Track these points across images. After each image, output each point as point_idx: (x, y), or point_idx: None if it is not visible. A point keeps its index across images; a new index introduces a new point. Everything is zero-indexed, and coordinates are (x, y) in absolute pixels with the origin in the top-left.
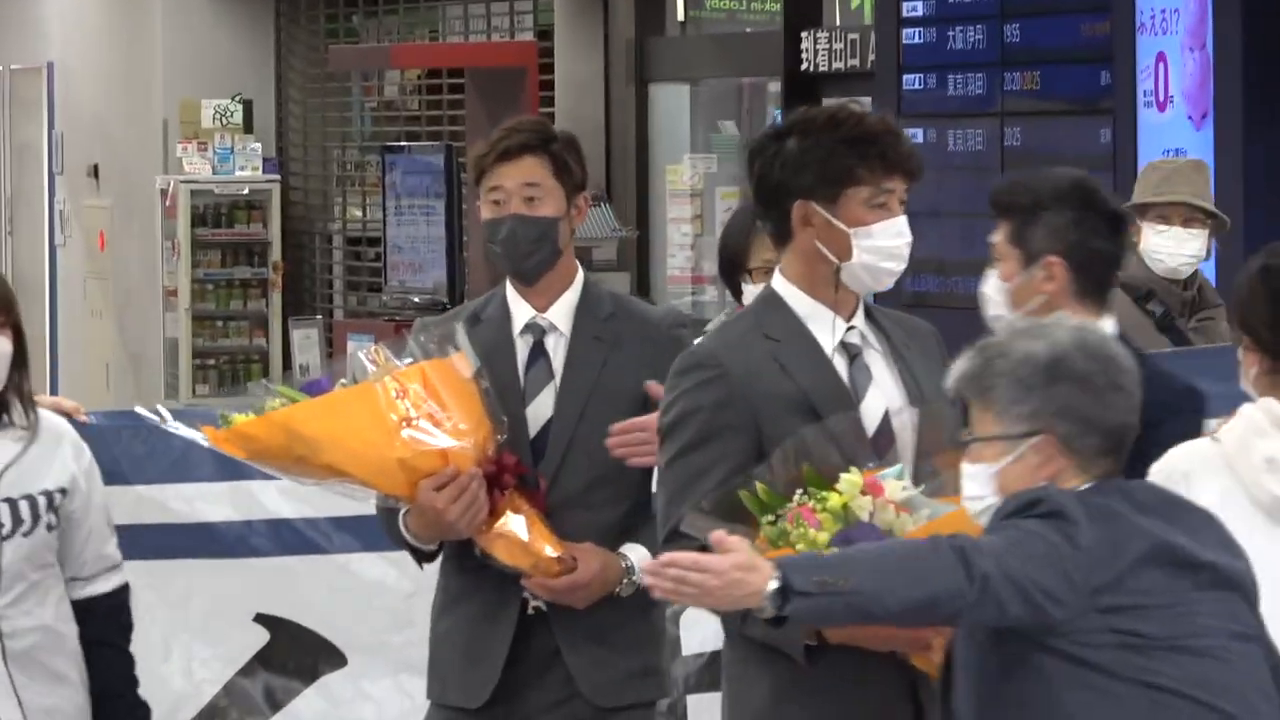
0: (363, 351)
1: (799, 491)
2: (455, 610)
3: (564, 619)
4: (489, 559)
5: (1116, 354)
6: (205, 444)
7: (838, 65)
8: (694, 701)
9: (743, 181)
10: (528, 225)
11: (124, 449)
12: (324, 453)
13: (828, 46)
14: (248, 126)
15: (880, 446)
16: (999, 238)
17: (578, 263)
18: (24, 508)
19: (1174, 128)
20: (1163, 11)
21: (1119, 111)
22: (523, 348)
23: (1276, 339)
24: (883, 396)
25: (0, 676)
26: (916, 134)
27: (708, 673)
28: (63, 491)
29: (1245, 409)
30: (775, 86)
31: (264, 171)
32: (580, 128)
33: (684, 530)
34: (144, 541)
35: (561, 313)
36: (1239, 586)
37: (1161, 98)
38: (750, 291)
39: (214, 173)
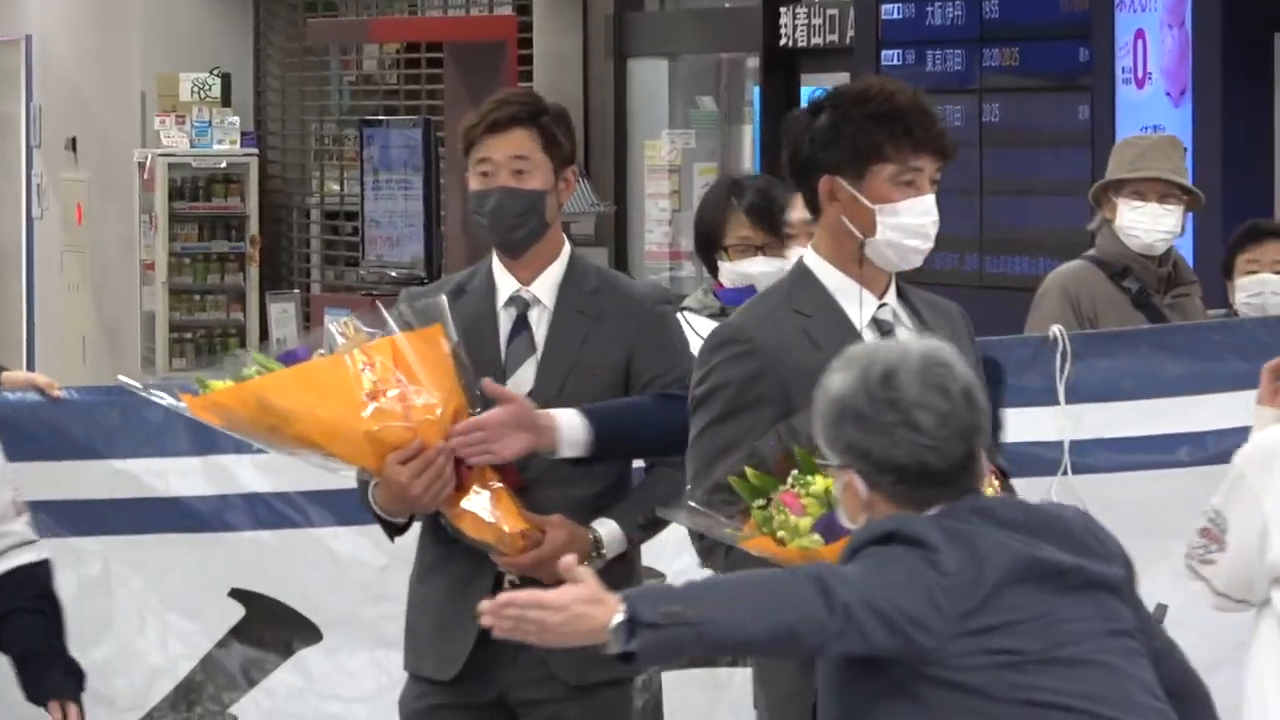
0: (334, 324)
1: (791, 475)
2: (430, 581)
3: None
4: (458, 534)
5: (902, 388)
6: (186, 413)
7: (816, 41)
8: (669, 678)
9: (720, 157)
10: (515, 198)
11: (98, 423)
12: (294, 424)
13: (806, 22)
14: (226, 100)
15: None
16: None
17: (565, 236)
18: None
19: (1152, 104)
20: None
21: (1097, 88)
22: (506, 320)
23: None
24: None
25: None
26: None
27: None
28: None
29: None
30: (754, 62)
31: (242, 145)
32: (558, 102)
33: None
34: (119, 516)
35: (546, 286)
36: (1110, 585)
37: (1140, 74)
38: (726, 268)
39: (192, 146)
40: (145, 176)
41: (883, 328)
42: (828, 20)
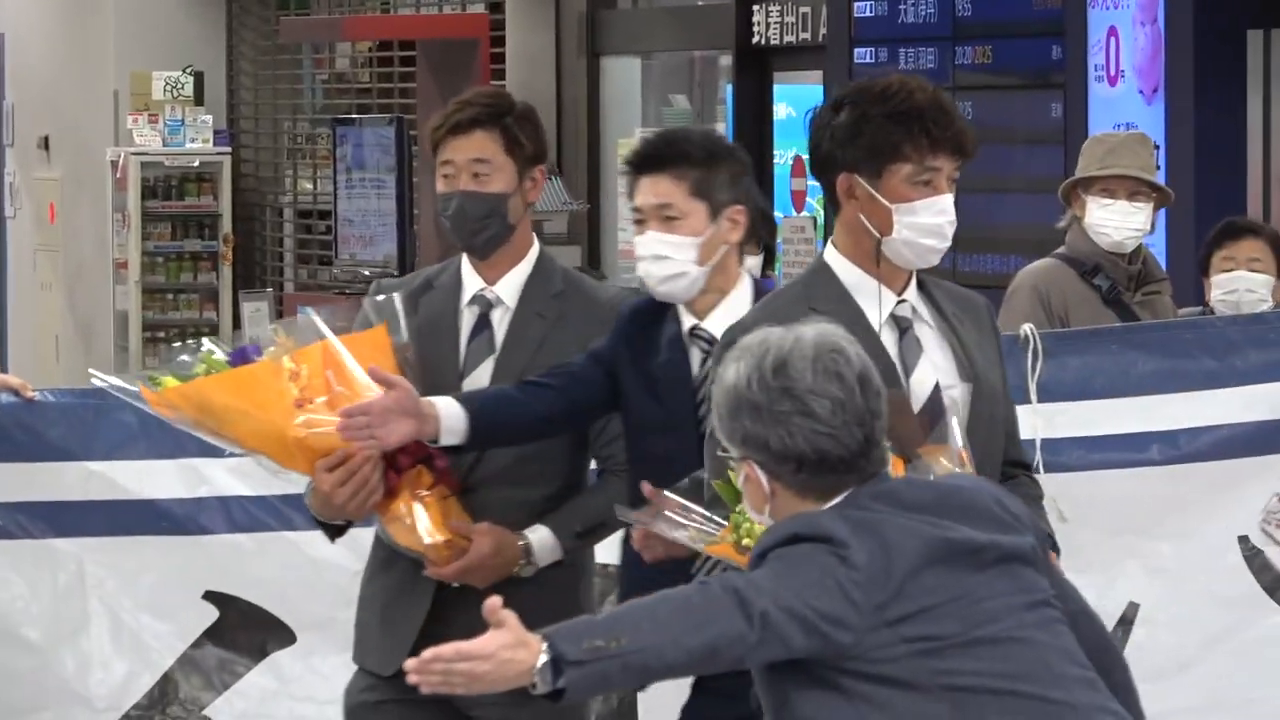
0: (267, 327)
1: None
2: (379, 577)
3: (481, 595)
4: (389, 539)
5: (797, 377)
6: (148, 408)
7: (789, 39)
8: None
9: None
10: (475, 201)
11: (73, 425)
12: (230, 426)
13: (779, 20)
14: (198, 99)
15: (929, 420)
16: (673, 193)
17: (534, 237)
18: None
19: (1125, 102)
20: None
21: (1070, 85)
22: (469, 319)
23: None
24: (933, 370)
25: None
26: None
27: None
28: None
29: None
30: (727, 60)
31: (215, 144)
32: (531, 100)
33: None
34: (94, 518)
35: (510, 286)
36: (1023, 554)
37: (1113, 72)
38: None
39: (164, 145)
40: (118, 175)
41: (901, 324)
42: (800, 18)
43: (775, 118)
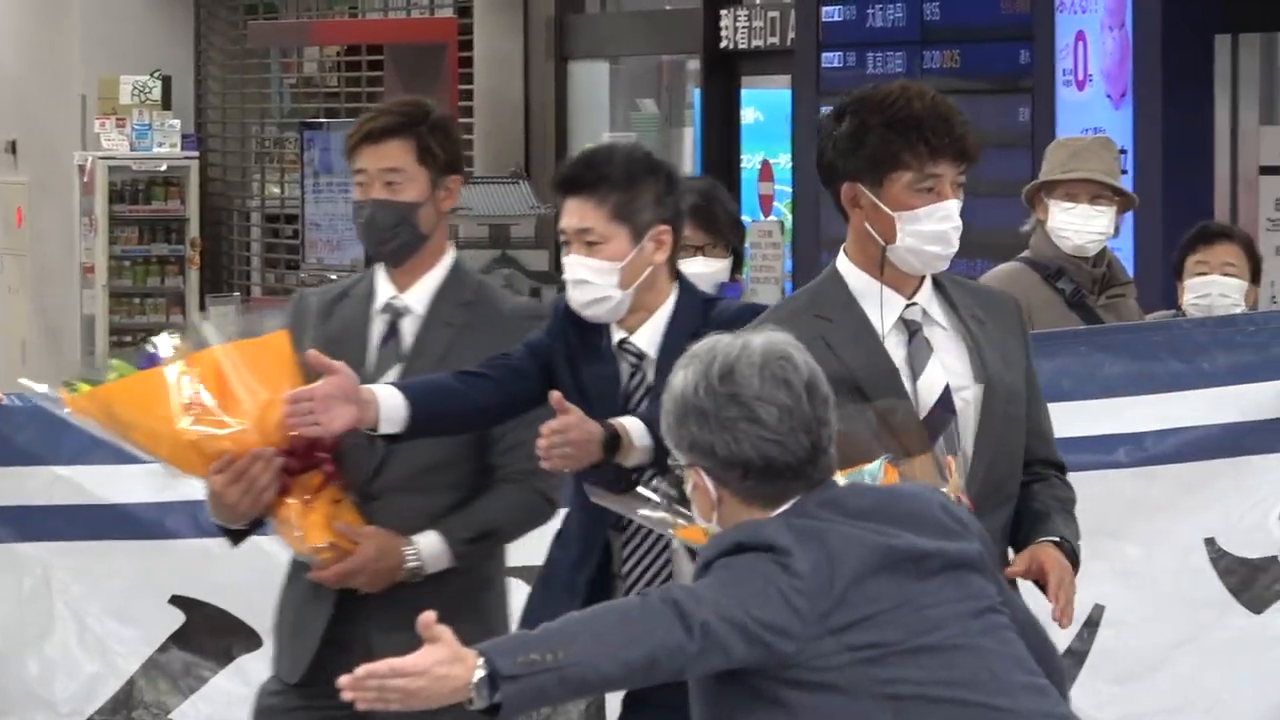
0: (165, 334)
1: None
2: (292, 584)
3: (381, 602)
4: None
5: (743, 383)
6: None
7: (757, 43)
8: None
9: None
10: (386, 210)
11: (40, 430)
12: (132, 431)
13: (748, 24)
14: (166, 103)
15: (937, 421)
16: (595, 217)
17: (450, 245)
18: None
19: (1093, 106)
20: None
21: (1038, 90)
22: (379, 327)
23: None
24: (943, 372)
25: None
26: None
27: None
28: None
29: None
30: (695, 64)
31: (182, 148)
32: (499, 105)
33: (597, 500)
34: (60, 522)
35: (420, 295)
36: (969, 561)
37: (1081, 76)
38: None
39: (132, 149)
40: (85, 179)
41: (910, 327)
42: (768, 22)
43: (743, 122)
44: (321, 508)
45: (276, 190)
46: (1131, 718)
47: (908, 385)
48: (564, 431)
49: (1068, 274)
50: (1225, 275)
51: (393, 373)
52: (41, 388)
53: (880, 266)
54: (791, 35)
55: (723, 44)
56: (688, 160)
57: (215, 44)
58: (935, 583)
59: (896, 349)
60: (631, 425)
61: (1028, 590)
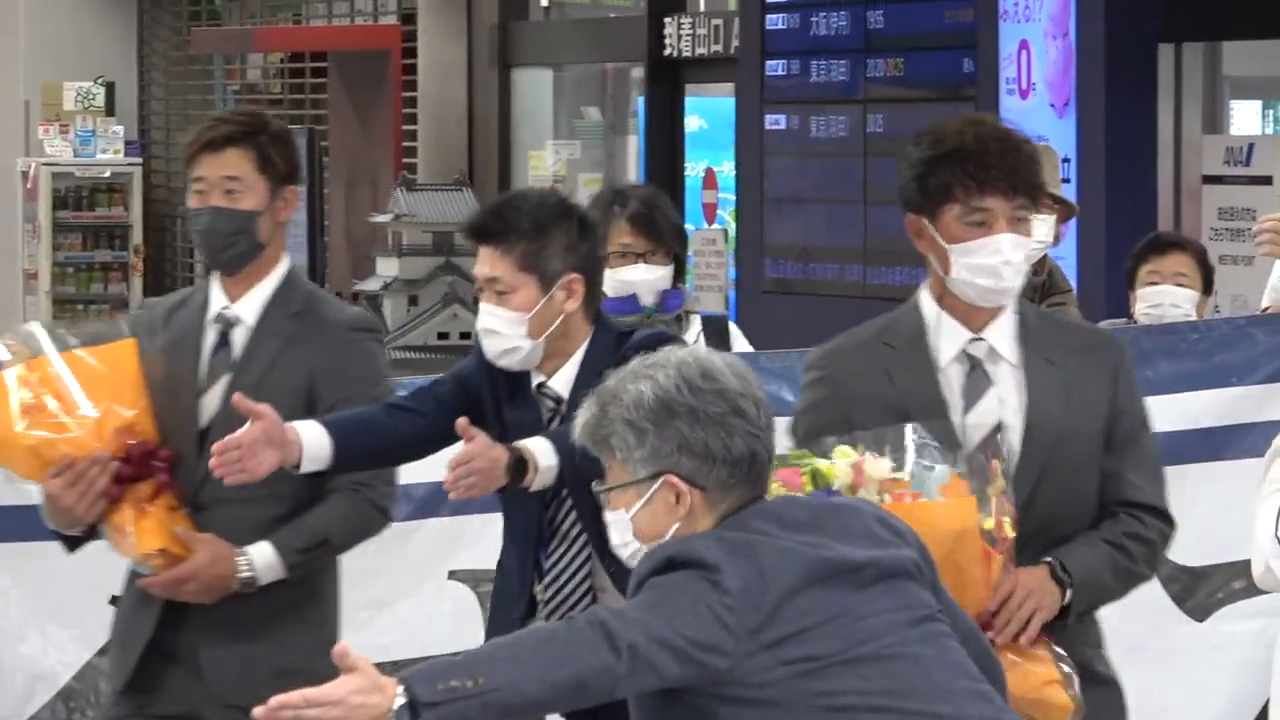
0: (2, 340)
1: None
2: (126, 592)
3: (207, 611)
4: (116, 549)
5: (724, 380)
6: None
7: (701, 51)
8: None
9: (606, 167)
10: (225, 218)
11: None
12: None
13: (691, 32)
14: (110, 109)
15: (985, 457)
16: (504, 267)
17: (284, 255)
18: None
19: (1036, 115)
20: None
21: (982, 98)
22: (211, 336)
23: None
24: (998, 409)
25: None
26: (779, 120)
27: None
28: None
29: None
30: (639, 72)
31: (126, 154)
32: (443, 112)
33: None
34: (1, 523)
35: (251, 305)
36: (906, 570)
37: (1024, 85)
38: (607, 276)
39: (75, 155)
40: (29, 186)
41: (971, 361)
42: (712, 30)
43: (687, 130)
44: (156, 514)
45: None
46: None
47: (957, 418)
48: (469, 461)
49: None
50: (1177, 285)
51: (222, 382)
52: None
53: (939, 298)
54: (735, 43)
55: (666, 52)
56: (632, 168)
57: (159, 50)
58: (872, 593)
59: (954, 381)
60: (536, 446)
61: None
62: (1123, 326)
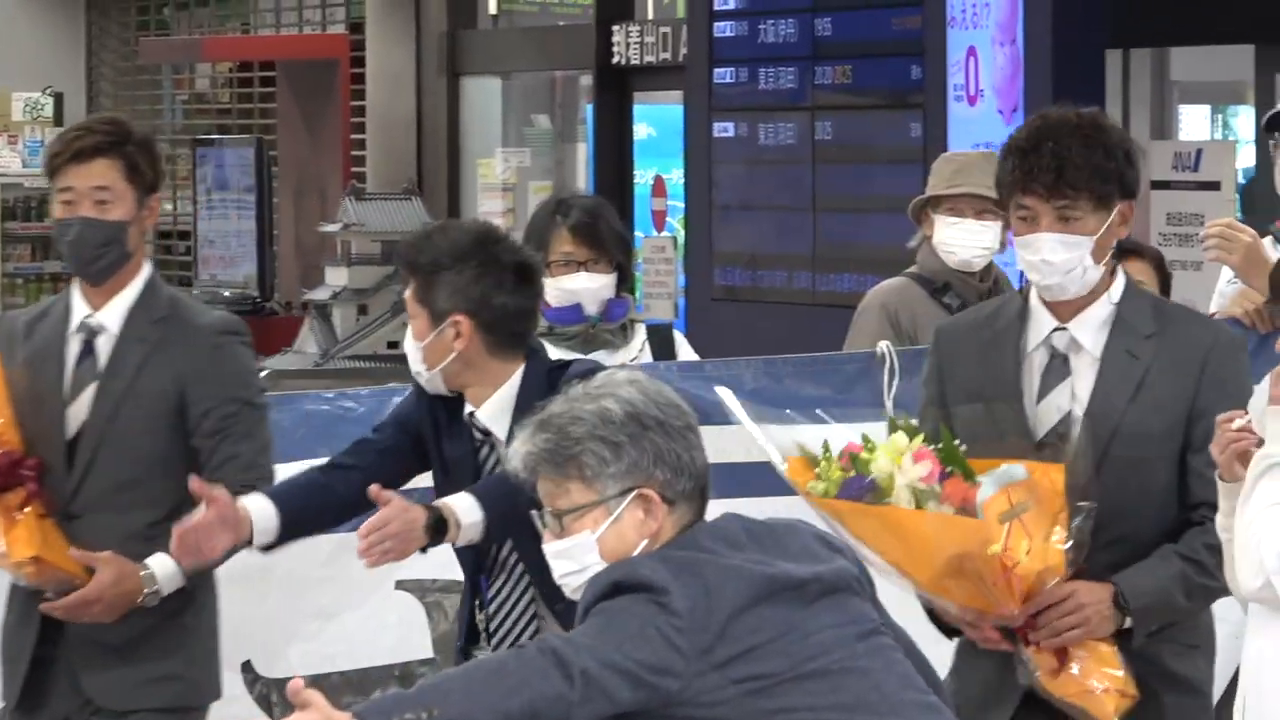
0: None
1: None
2: (9, 609)
3: (79, 625)
4: None
5: (674, 397)
6: None
7: (649, 58)
8: None
9: (555, 175)
10: (95, 229)
11: None
12: None
13: (639, 40)
14: (58, 119)
15: (1050, 446)
16: (409, 295)
17: (146, 263)
18: None
19: (984, 121)
20: (973, 6)
21: (930, 105)
22: (75, 346)
23: None
24: (1069, 400)
25: None
26: (727, 127)
27: None
28: None
29: None
30: (588, 80)
31: None
32: (392, 120)
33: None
34: None
35: (114, 313)
36: (848, 586)
37: (972, 92)
38: (549, 285)
39: (24, 166)
40: None
41: (1052, 351)
42: (660, 38)
43: (636, 137)
44: (26, 523)
45: (169, 207)
46: None
47: (1029, 406)
48: (383, 526)
49: (954, 289)
50: None
51: (89, 391)
52: None
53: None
54: (683, 51)
55: (615, 59)
56: (581, 175)
57: (107, 60)
58: (817, 608)
59: (1036, 369)
60: (459, 504)
61: None
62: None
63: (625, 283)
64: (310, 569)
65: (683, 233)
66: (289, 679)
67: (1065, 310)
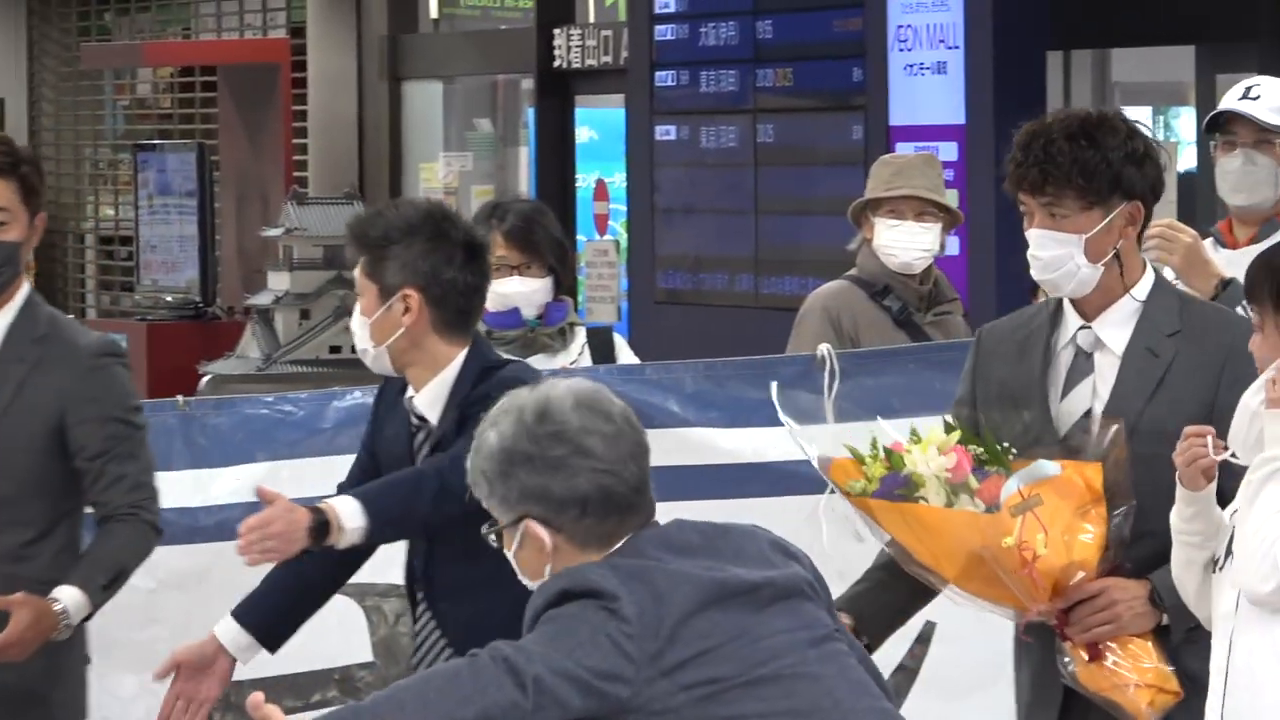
0: None
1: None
2: None
3: None
4: None
5: (563, 421)
6: None
7: (590, 62)
8: None
9: (497, 179)
10: None
11: None
12: None
13: (581, 43)
14: (0, 126)
15: (1074, 444)
16: (358, 271)
17: (25, 281)
18: None
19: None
20: (915, 8)
21: (871, 107)
22: None
23: None
24: (1090, 398)
25: None
26: (669, 131)
27: None
28: None
29: None
30: (529, 83)
31: None
32: (333, 125)
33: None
34: None
35: None
36: (801, 591)
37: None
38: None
39: None
40: None
41: (1080, 350)
42: (601, 41)
43: (577, 141)
44: None
45: (111, 212)
46: None
47: (1054, 404)
48: (265, 526)
49: (894, 291)
50: None
51: None
52: None
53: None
54: (625, 54)
55: (556, 63)
56: (523, 179)
57: (49, 66)
58: (769, 613)
59: (1063, 368)
60: (343, 507)
61: None
62: None
63: (562, 286)
64: (248, 574)
65: (625, 236)
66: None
67: (1090, 308)
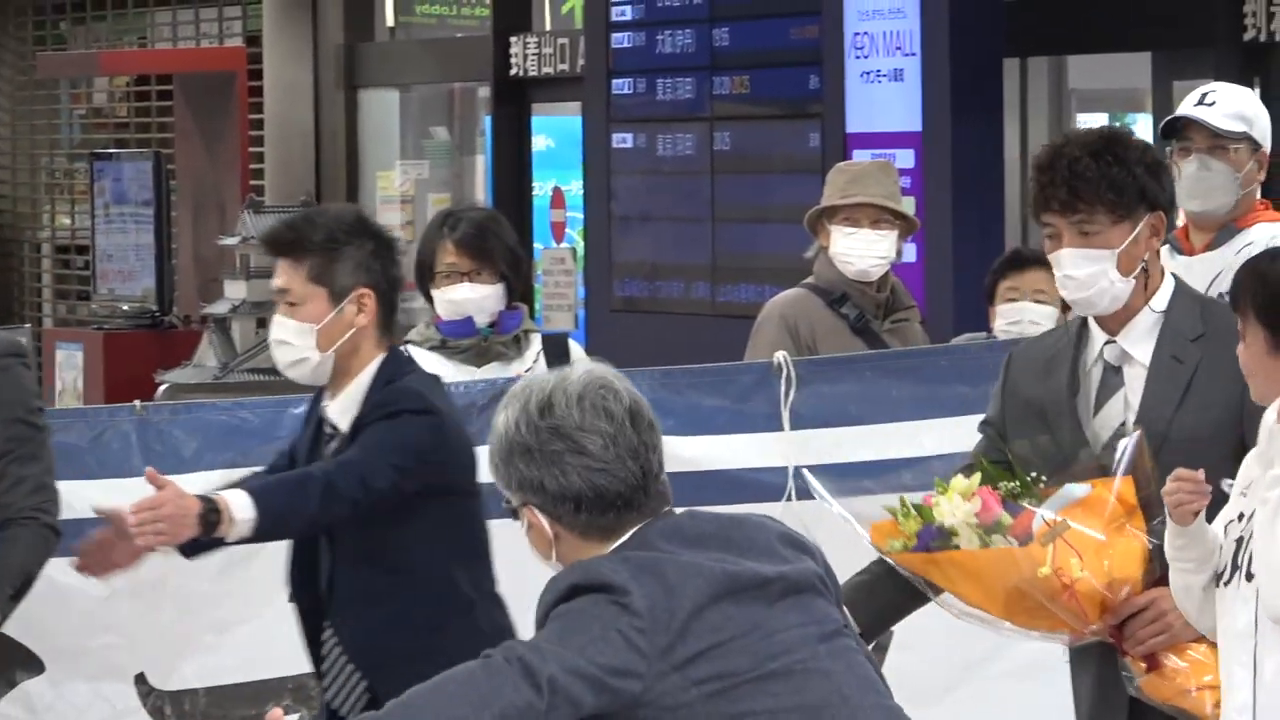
0: None
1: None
2: None
3: None
4: None
5: (562, 416)
6: None
7: (547, 70)
8: None
9: (454, 187)
10: None
11: None
12: None
13: (537, 51)
14: None
15: (1106, 461)
16: (295, 279)
17: None
18: None
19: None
20: (871, 15)
21: (828, 115)
22: None
23: None
24: (1123, 410)
25: None
26: (626, 138)
27: None
28: None
29: None
30: (485, 91)
31: None
32: (290, 133)
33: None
34: None
35: None
36: (812, 585)
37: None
38: (436, 296)
39: None
40: None
41: (1108, 365)
42: (558, 49)
43: (534, 149)
44: None
45: (67, 221)
46: None
47: (1085, 420)
48: (156, 508)
49: (851, 299)
50: (1036, 302)
51: None
52: None
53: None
54: (581, 62)
55: (513, 71)
56: (480, 187)
57: (4, 75)
58: (780, 608)
59: (1093, 384)
60: (234, 499)
61: None
62: (983, 341)
63: (516, 294)
64: (202, 583)
65: (582, 244)
66: (184, 691)
67: (1113, 323)
